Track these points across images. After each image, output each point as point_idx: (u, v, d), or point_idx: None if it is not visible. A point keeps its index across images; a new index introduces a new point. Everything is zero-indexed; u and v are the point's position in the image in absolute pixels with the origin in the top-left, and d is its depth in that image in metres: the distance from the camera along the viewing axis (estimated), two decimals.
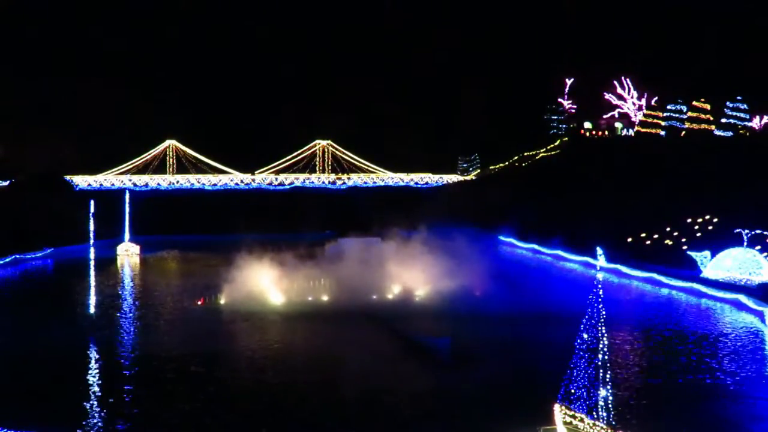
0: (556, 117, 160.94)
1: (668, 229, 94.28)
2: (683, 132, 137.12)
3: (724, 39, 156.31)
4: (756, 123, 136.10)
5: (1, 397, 42.51)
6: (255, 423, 38.85)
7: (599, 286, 32.59)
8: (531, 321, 61.32)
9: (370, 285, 72.14)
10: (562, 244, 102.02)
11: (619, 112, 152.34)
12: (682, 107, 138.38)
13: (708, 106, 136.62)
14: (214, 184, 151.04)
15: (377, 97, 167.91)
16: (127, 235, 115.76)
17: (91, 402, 42.31)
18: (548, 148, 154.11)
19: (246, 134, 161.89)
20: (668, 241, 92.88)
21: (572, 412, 33.17)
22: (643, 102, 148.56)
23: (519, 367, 49.51)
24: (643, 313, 66.67)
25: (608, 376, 32.38)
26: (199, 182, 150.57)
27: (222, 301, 70.99)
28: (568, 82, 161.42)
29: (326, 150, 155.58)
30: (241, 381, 46.08)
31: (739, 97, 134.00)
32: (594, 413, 32.43)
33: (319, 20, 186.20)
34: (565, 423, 33.53)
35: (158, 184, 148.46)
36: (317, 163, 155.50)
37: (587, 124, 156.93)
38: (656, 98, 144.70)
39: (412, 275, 75.03)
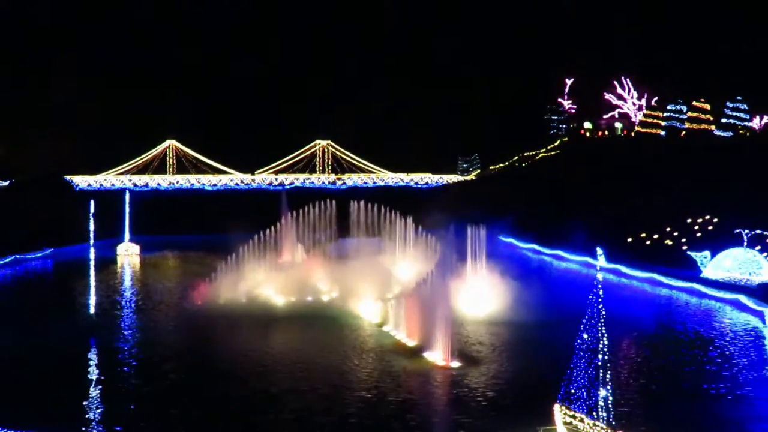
0: (556, 117, 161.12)
1: (668, 229, 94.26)
2: (683, 132, 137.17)
3: (724, 39, 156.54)
4: (756, 123, 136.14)
5: (1, 397, 42.50)
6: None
7: (599, 286, 32.59)
8: (531, 320, 61.26)
9: (372, 284, 71.85)
10: (562, 244, 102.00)
11: (619, 112, 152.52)
12: (682, 107, 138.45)
13: (708, 106, 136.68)
14: (214, 184, 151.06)
15: (377, 97, 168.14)
16: (127, 235, 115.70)
17: (91, 403, 42.30)
18: (548, 148, 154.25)
19: (246, 134, 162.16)
20: (668, 241, 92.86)
21: (572, 412, 33.18)
22: (643, 102, 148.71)
23: (518, 366, 49.52)
24: (643, 313, 66.59)
25: (608, 376, 32.36)
26: (199, 182, 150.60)
27: (222, 302, 70.97)
28: (568, 82, 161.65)
29: (326, 150, 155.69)
30: (243, 385, 45.94)
31: (739, 97, 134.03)
32: (594, 413, 32.43)
33: (319, 20, 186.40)
34: (565, 423, 33.54)
35: (158, 184, 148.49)
36: (317, 163, 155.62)
37: (587, 124, 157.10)
38: (656, 98, 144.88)
39: (413, 274, 74.91)
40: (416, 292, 57.58)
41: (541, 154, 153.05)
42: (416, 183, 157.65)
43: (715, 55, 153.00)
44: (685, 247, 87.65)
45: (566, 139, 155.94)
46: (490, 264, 72.83)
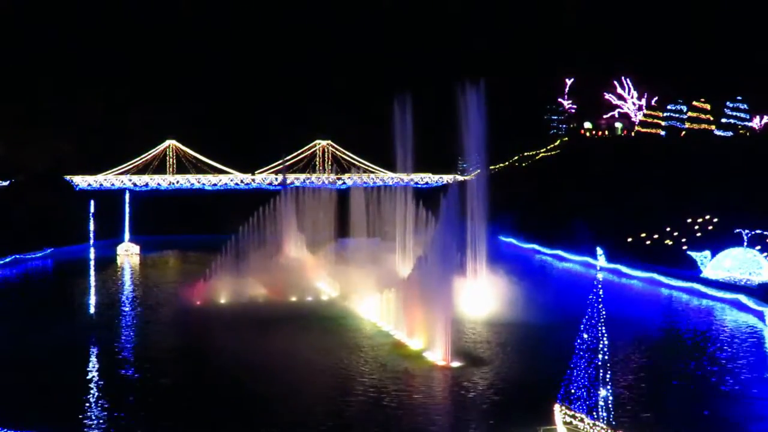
0: (556, 117, 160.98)
1: (668, 229, 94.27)
2: (683, 132, 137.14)
3: (725, 38, 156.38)
4: (756, 123, 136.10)
5: (1, 397, 42.48)
6: None
7: (599, 286, 32.58)
8: (531, 320, 61.28)
9: (372, 282, 71.89)
10: (562, 244, 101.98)
11: (619, 112, 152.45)
12: (682, 107, 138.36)
13: (708, 106, 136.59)
14: (214, 184, 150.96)
15: (377, 96, 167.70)
16: (127, 235, 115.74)
17: (90, 403, 42.28)
18: (548, 148, 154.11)
19: (246, 134, 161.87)
20: (668, 241, 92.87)
21: (572, 412, 33.16)
22: (643, 102, 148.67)
23: (519, 366, 49.53)
24: (643, 313, 66.63)
25: (608, 376, 32.36)
26: (199, 182, 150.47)
27: (221, 301, 71.01)
28: (568, 82, 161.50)
29: (326, 150, 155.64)
30: (242, 386, 45.89)
31: (739, 97, 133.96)
32: (594, 413, 32.42)
33: (319, 20, 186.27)
34: (565, 423, 33.53)
35: (158, 184, 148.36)
36: (317, 163, 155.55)
37: (587, 124, 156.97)
38: (656, 98, 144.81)
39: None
40: (415, 285, 56.48)
41: (541, 154, 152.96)
42: (416, 183, 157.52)
43: (715, 55, 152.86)
44: (685, 247, 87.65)
45: (566, 139, 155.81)
46: (489, 264, 72.79)
